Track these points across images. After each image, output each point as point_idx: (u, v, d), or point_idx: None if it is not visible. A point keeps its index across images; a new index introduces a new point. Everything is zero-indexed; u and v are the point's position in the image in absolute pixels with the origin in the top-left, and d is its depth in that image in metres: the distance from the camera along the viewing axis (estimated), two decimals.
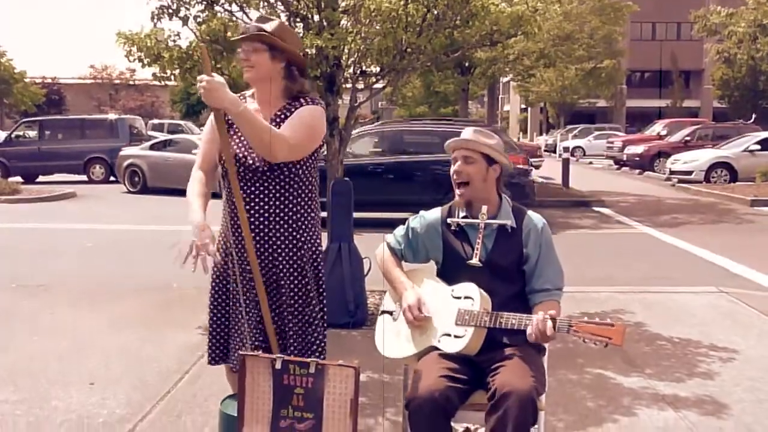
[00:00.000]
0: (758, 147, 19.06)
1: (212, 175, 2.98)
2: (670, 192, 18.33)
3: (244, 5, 5.69)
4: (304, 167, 2.94)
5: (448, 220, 3.04)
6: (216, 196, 2.85)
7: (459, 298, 2.88)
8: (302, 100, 2.96)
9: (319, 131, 2.96)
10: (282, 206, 2.90)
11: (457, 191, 2.99)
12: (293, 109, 2.93)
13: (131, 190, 17.37)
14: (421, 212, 3.18)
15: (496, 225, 2.96)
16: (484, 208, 2.94)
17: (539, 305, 2.87)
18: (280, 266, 2.92)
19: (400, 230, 3.18)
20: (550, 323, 2.66)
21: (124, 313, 6.14)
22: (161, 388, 4.40)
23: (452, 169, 3.00)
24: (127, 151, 18.20)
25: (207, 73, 2.66)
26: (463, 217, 3.01)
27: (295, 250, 2.93)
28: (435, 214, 3.12)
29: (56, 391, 4.33)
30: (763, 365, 4.85)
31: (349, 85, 6.15)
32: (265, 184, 2.88)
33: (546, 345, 2.93)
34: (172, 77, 5.80)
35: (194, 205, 2.84)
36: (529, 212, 3.05)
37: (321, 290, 3.07)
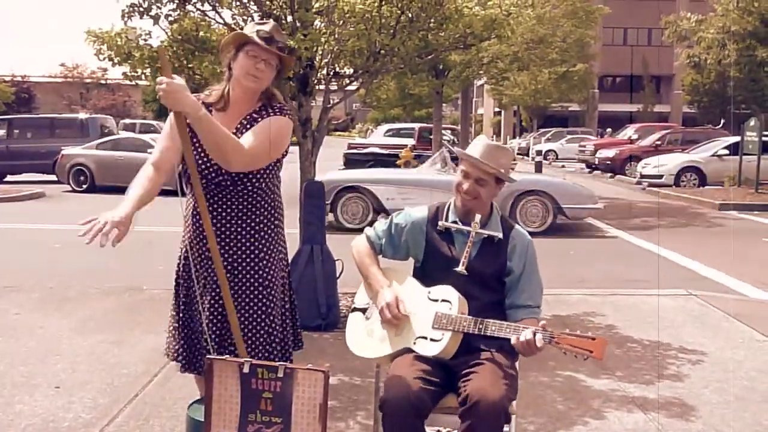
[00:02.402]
0: (726, 152, 19.34)
1: (163, 173, 2.82)
2: (640, 195, 18.52)
3: (217, 4, 5.63)
4: (267, 178, 2.88)
5: (439, 224, 3.01)
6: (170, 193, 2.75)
7: (436, 300, 2.85)
8: (270, 109, 2.88)
9: (282, 143, 2.87)
10: (245, 217, 2.85)
11: (462, 199, 2.96)
12: (260, 118, 2.85)
13: (77, 189, 17.41)
14: (407, 208, 3.15)
15: (485, 234, 2.95)
16: (478, 217, 2.92)
17: (521, 322, 2.82)
18: (243, 277, 2.88)
19: (381, 224, 3.14)
20: (539, 335, 2.66)
21: (92, 315, 6.04)
22: (129, 391, 4.33)
23: (460, 179, 2.95)
24: (70, 150, 18.04)
25: (167, 75, 2.57)
26: (453, 222, 3.00)
27: (257, 260, 2.89)
28: (421, 212, 3.09)
29: (21, 395, 4.24)
30: (730, 367, 4.90)
31: (322, 87, 6.11)
32: (228, 197, 2.83)
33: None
34: (143, 76, 5.71)
35: (131, 192, 2.66)
36: (517, 226, 3.05)
37: (292, 298, 3.07)
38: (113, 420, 3.91)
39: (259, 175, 2.84)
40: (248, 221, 2.86)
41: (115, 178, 16.82)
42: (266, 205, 2.90)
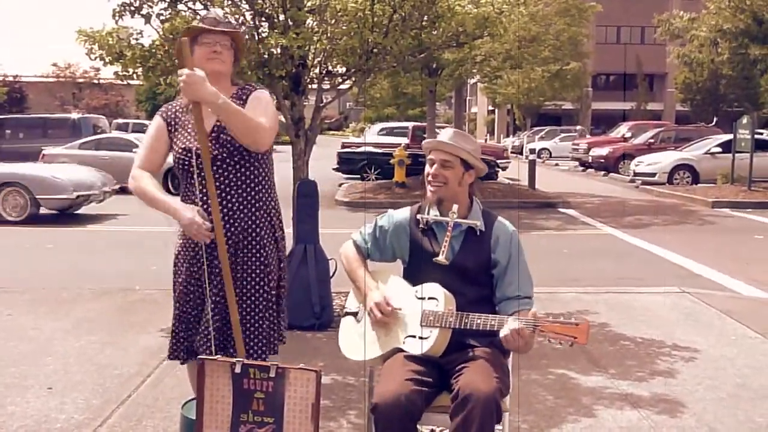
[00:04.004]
0: (719, 149, 19.40)
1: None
2: (633, 193, 18.58)
3: (208, 3, 5.62)
4: (264, 154, 2.97)
5: (418, 217, 3.02)
6: None
7: (423, 298, 2.86)
8: (247, 88, 3.01)
9: (276, 112, 3.04)
10: (245, 194, 2.92)
11: (431, 188, 2.98)
12: (244, 97, 2.96)
13: None
14: (390, 211, 3.16)
15: (465, 226, 2.96)
16: (455, 207, 2.93)
17: (511, 315, 2.80)
18: (244, 255, 2.92)
19: (367, 228, 3.16)
20: (523, 324, 2.64)
21: (84, 316, 6.02)
22: (121, 392, 4.32)
23: (428, 170, 2.99)
24: (51, 150, 17.95)
25: (188, 67, 2.69)
26: (433, 215, 3.00)
27: (256, 237, 2.94)
28: (404, 213, 3.11)
29: (13, 396, 4.22)
30: (723, 364, 4.92)
31: (314, 86, 6.11)
32: (226, 173, 2.89)
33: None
34: (135, 76, 5.70)
35: (161, 198, 2.88)
36: (500, 218, 3.05)
37: (282, 284, 3.10)
38: (106, 421, 3.90)
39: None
40: (246, 195, 2.92)
41: None
42: (263, 182, 2.98)
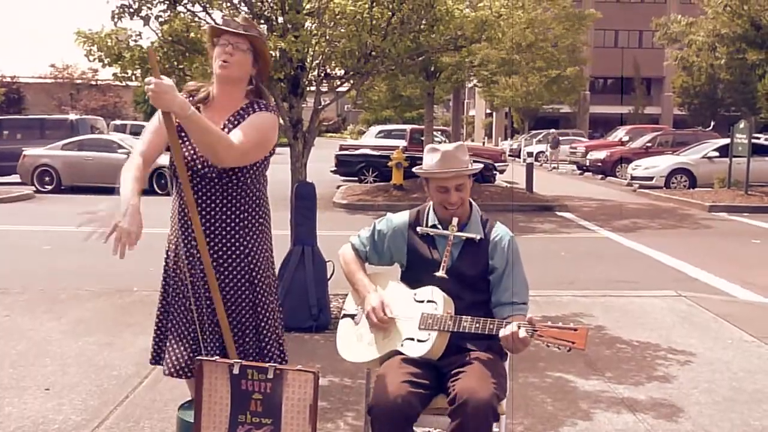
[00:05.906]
0: (716, 154, 19.46)
1: (148, 165, 2.85)
2: (631, 197, 18.60)
3: (207, 6, 5.64)
4: (253, 174, 2.89)
5: (418, 229, 3.03)
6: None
7: (422, 302, 2.88)
8: (256, 106, 2.91)
9: (270, 139, 2.89)
10: (229, 212, 2.86)
11: (447, 212, 2.97)
12: (246, 115, 2.87)
13: (42, 190, 17.54)
14: (388, 215, 3.17)
15: (464, 236, 2.97)
16: (455, 220, 2.94)
17: (507, 320, 2.82)
18: (228, 272, 2.88)
19: (365, 232, 3.17)
20: (522, 328, 2.66)
21: (82, 317, 6.02)
22: (119, 393, 4.32)
23: (443, 197, 2.95)
24: (33, 151, 18.06)
25: (155, 75, 2.58)
26: (432, 226, 3.01)
27: (242, 257, 2.88)
28: (402, 217, 3.11)
29: (10, 397, 4.22)
30: (719, 368, 4.93)
31: (313, 88, 6.13)
32: (213, 190, 2.84)
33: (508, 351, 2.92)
34: (133, 77, 5.70)
35: (129, 185, 2.67)
36: (498, 224, 3.06)
37: (275, 296, 3.06)
38: (103, 422, 3.90)
39: (245, 170, 2.85)
40: (233, 216, 2.87)
41: (83, 178, 17.19)
42: (251, 202, 2.91)
